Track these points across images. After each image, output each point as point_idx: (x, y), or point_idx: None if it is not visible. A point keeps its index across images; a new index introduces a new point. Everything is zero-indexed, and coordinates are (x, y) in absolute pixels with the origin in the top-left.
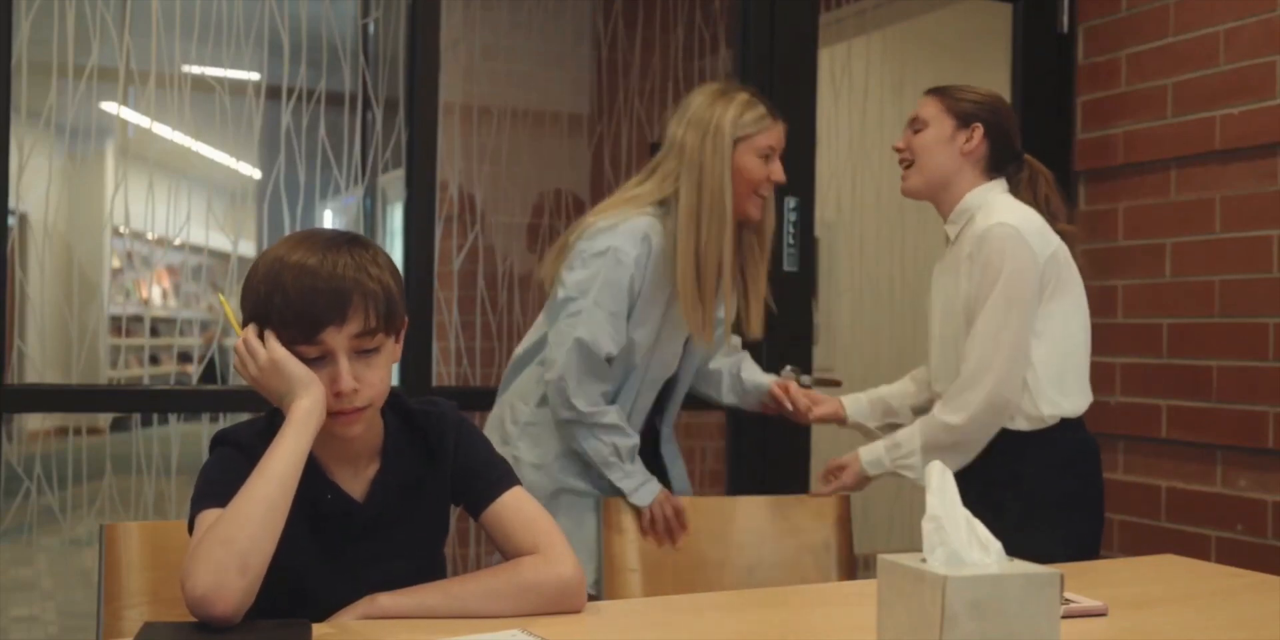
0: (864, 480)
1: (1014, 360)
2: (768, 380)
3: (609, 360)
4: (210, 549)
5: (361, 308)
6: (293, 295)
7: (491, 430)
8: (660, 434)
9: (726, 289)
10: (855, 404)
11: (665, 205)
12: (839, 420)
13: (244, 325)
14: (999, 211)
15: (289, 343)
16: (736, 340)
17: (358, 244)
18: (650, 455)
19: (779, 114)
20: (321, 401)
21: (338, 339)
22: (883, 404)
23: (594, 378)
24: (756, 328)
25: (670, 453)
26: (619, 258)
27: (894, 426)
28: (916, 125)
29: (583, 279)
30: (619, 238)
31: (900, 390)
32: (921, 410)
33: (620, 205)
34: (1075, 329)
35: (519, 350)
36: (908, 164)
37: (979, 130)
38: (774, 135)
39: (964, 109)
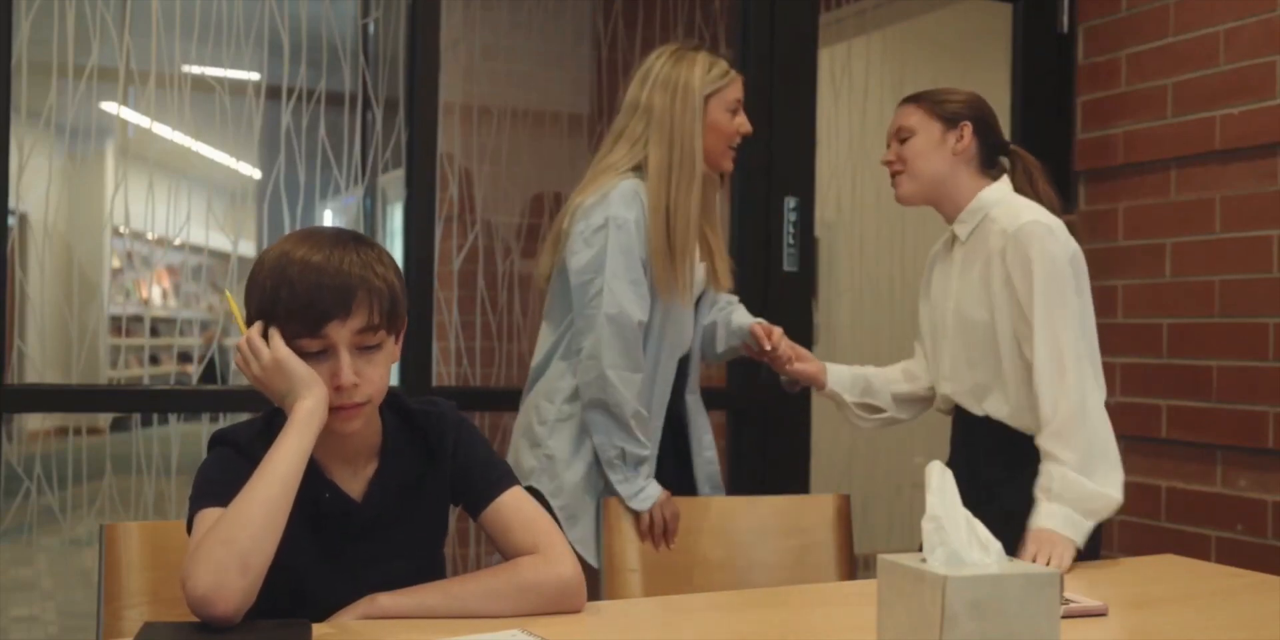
0: (1075, 547)
1: (1081, 352)
2: (751, 321)
3: (642, 330)
4: (211, 549)
5: (366, 303)
6: (299, 288)
7: (520, 436)
8: (687, 405)
9: (702, 244)
10: (837, 373)
11: (640, 170)
12: (817, 383)
13: (248, 321)
14: (1025, 210)
15: (293, 336)
16: (734, 298)
17: (362, 242)
18: (676, 431)
19: (737, 66)
20: (324, 401)
21: (341, 333)
22: (864, 381)
23: (631, 360)
24: (725, 282)
25: (699, 424)
26: (619, 224)
27: (869, 407)
28: (903, 134)
29: (591, 258)
30: (612, 206)
31: (886, 374)
32: (903, 399)
33: (598, 178)
34: (1093, 329)
35: (535, 361)
36: (898, 173)
37: (968, 128)
38: (739, 88)
39: (948, 110)
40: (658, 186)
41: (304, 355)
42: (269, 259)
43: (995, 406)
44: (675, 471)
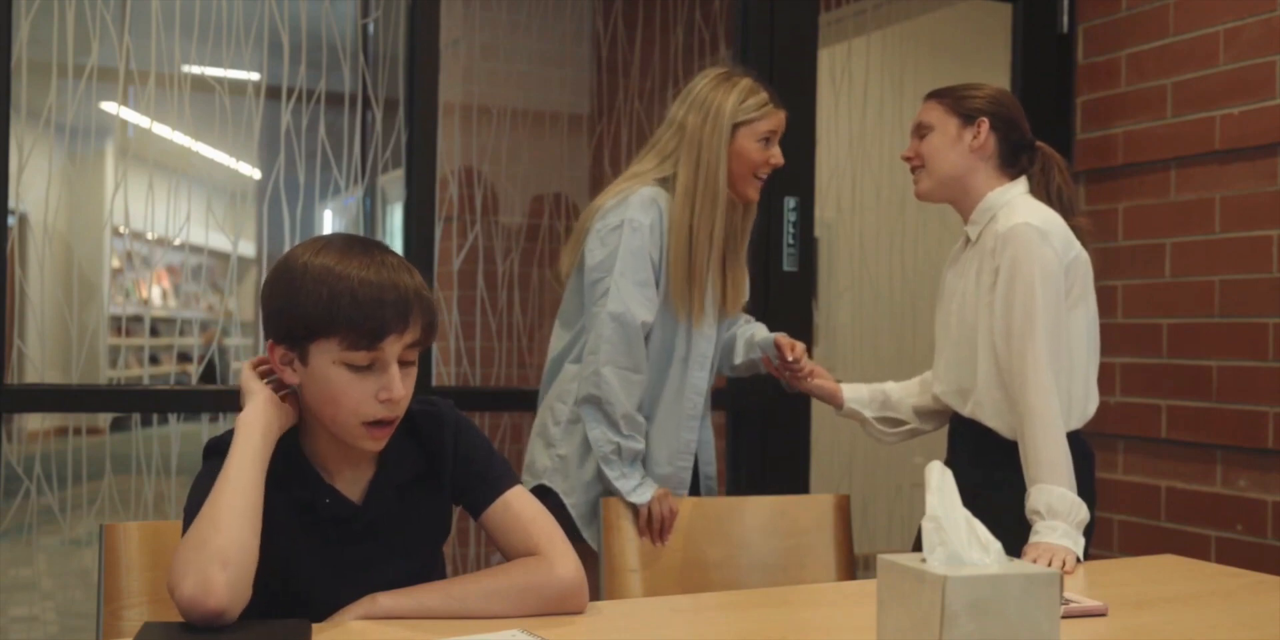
0: (1075, 557)
1: (1042, 360)
2: (776, 334)
3: (645, 331)
4: (187, 555)
5: (419, 318)
6: (361, 298)
7: (536, 436)
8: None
9: (716, 267)
10: (854, 391)
11: (666, 182)
12: (835, 401)
13: (278, 333)
14: (1022, 212)
15: (347, 347)
16: (751, 317)
17: (391, 251)
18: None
19: (781, 101)
20: (268, 404)
21: (395, 347)
22: (882, 395)
23: (632, 359)
24: (732, 308)
25: (704, 440)
26: (634, 227)
27: (890, 420)
28: (922, 131)
29: (604, 257)
30: (630, 209)
31: (905, 387)
32: (923, 410)
33: (624, 182)
34: (1087, 339)
35: (549, 358)
36: (917, 169)
37: (984, 124)
38: (774, 121)
39: (966, 107)
40: (682, 207)
41: (351, 368)
42: (314, 268)
43: (973, 408)
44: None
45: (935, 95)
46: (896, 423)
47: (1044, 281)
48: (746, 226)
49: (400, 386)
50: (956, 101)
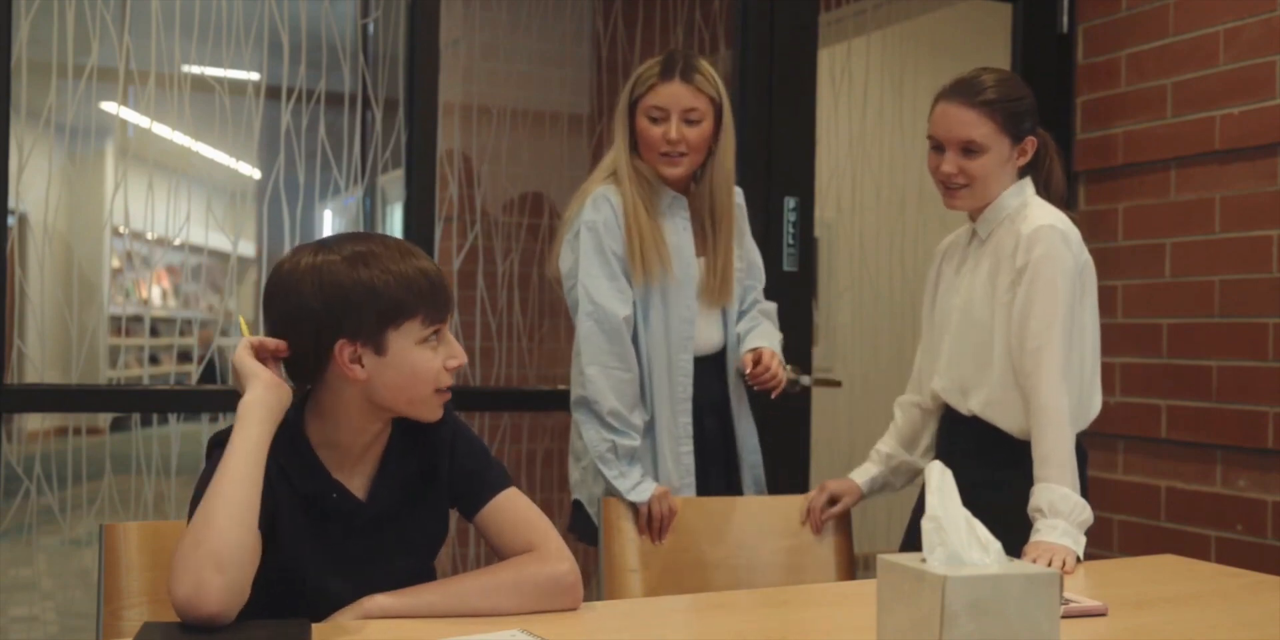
0: (1076, 556)
1: (1058, 362)
2: (744, 351)
3: (628, 325)
4: (183, 555)
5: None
6: (429, 274)
7: (570, 453)
8: (732, 406)
9: (701, 243)
10: (865, 474)
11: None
12: (860, 498)
13: (353, 329)
14: (1043, 214)
15: (429, 323)
16: (769, 306)
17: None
18: (718, 429)
19: (682, 73)
20: (270, 388)
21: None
22: (883, 457)
23: (616, 356)
24: (714, 295)
25: (744, 427)
26: (589, 227)
27: (906, 468)
28: (970, 147)
29: (572, 263)
30: (584, 213)
31: (900, 437)
32: (917, 450)
33: (585, 189)
34: (1091, 340)
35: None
36: (960, 186)
37: (1033, 143)
38: (661, 96)
39: (1016, 125)
40: (620, 189)
41: (427, 343)
42: (368, 260)
43: (980, 405)
44: (724, 474)
45: (985, 107)
46: (912, 471)
47: (1066, 284)
48: (723, 212)
49: (463, 353)
50: (1009, 119)
